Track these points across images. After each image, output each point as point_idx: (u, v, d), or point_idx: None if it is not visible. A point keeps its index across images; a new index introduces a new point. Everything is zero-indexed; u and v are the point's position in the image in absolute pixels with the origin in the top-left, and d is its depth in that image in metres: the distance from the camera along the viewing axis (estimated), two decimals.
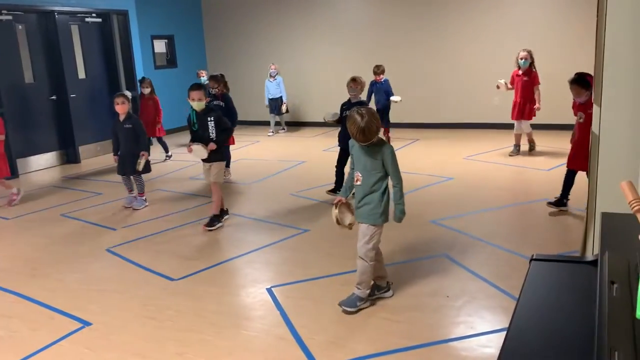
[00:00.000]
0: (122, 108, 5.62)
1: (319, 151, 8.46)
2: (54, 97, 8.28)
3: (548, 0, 8.99)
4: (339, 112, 5.69)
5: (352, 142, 3.30)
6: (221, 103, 6.60)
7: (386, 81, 8.29)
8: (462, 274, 3.78)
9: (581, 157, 4.50)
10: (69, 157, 8.53)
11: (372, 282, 3.39)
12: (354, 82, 5.56)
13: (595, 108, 2.54)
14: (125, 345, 3.05)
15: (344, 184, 3.55)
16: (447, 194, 5.79)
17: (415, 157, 7.70)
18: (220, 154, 5.00)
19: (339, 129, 5.76)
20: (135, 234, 4.95)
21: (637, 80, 2.25)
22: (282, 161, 7.85)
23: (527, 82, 7.23)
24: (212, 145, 4.85)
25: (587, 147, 4.25)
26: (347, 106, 5.54)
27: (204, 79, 8.91)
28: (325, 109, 10.50)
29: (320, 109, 10.79)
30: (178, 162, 8.10)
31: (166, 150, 8.26)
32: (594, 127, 2.55)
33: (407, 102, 9.99)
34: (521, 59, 7.20)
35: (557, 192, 5.01)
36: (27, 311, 3.51)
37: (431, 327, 3.11)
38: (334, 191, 5.69)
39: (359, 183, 3.28)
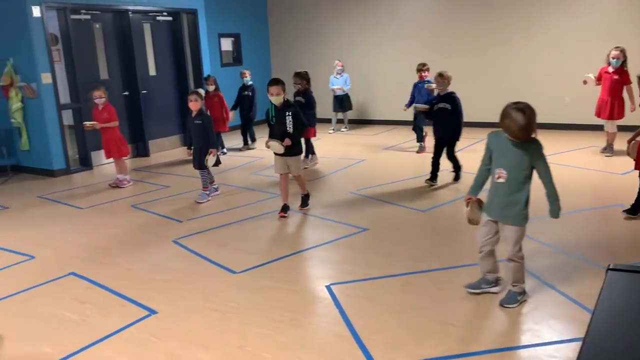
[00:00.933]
0: (194, 105, 5.79)
1: (379, 150, 8.40)
2: (126, 93, 8.65)
3: None
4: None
5: (493, 136, 3.22)
6: (302, 100, 6.73)
7: (429, 81, 8.11)
8: (529, 280, 3.63)
9: None
10: (139, 150, 8.89)
11: (481, 276, 3.44)
12: (441, 77, 5.96)
13: None
14: (189, 335, 3.14)
15: (474, 181, 3.41)
16: None
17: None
18: (296, 148, 5.18)
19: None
20: (200, 226, 5.10)
21: None
22: (342, 159, 7.85)
23: (617, 81, 6.94)
24: (288, 141, 5.01)
25: None
26: (436, 100, 6.13)
27: (247, 79, 8.92)
28: (389, 106, 10.51)
29: (384, 107, 10.75)
30: (241, 157, 8.26)
31: (222, 146, 8.45)
32: None
33: (475, 100, 9.70)
34: (613, 58, 6.89)
35: (632, 197, 4.74)
36: (98, 297, 3.69)
37: (495, 334, 3.02)
38: (431, 180, 6.14)
39: (501, 180, 3.16)
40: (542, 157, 3.11)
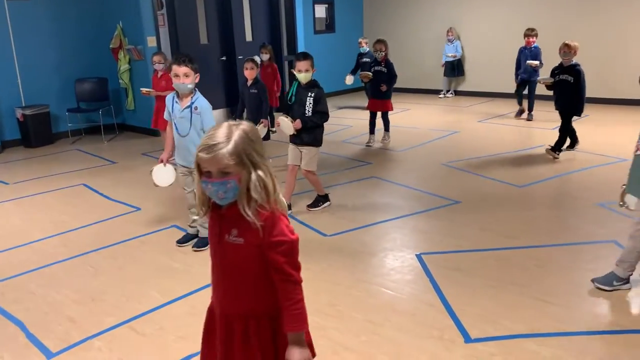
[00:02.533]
0: (250, 73, 5.65)
1: (473, 122, 8.15)
2: (224, 58, 8.92)
3: None
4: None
5: None
6: (384, 69, 6.66)
7: (536, 47, 7.70)
8: None
9: None
10: (236, 115, 9.18)
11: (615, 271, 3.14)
12: (568, 47, 5.72)
13: None
14: None
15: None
16: (619, 176, 5.25)
17: (586, 134, 7.08)
18: (314, 138, 4.46)
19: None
20: (296, 189, 5.20)
21: None
22: (433, 130, 7.70)
23: None
24: (298, 124, 4.33)
25: None
26: (559, 70, 5.85)
27: (364, 48, 8.92)
28: (498, 76, 10.09)
29: (491, 76, 10.33)
30: (333, 125, 8.32)
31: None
32: None
33: (604, 74, 8.98)
34: None
35: None
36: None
37: (591, 315, 2.90)
38: (552, 149, 5.96)
39: None
40: None
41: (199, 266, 3.63)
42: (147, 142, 7.62)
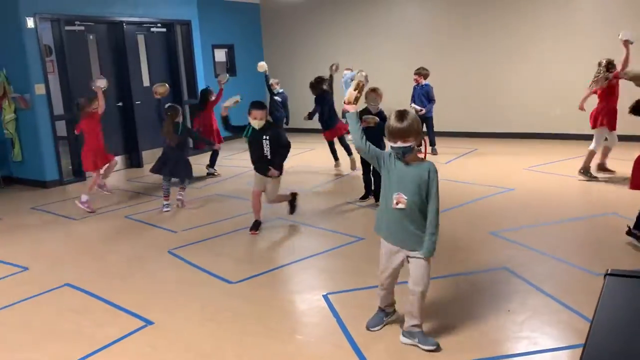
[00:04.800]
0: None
1: None
2: (120, 104, 8.64)
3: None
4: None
5: None
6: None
7: (427, 85, 8.22)
8: (523, 287, 3.66)
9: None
10: (133, 161, 8.87)
11: None
12: (375, 92, 5.59)
13: None
14: (186, 346, 3.13)
15: None
16: (508, 205, 5.64)
17: (473, 167, 7.55)
18: (279, 170, 4.95)
19: None
20: (194, 236, 5.08)
21: None
22: (330, 170, 7.85)
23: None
24: (274, 172, 4.89)
25: None
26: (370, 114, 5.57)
27: (277, 89, 8.95)
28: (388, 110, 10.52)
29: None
30: (234, 167, 8.26)
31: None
32: None
33: (464, 110, 9.85)
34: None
35: (625, 207, 4.78)
36: (95, 308, 3.66)
37: (492, 343, 3.02)
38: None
39: None
40: None
41: (95, 327, 3.38)
42: (37, 195, 7.14)
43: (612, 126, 6.28)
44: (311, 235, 5.07)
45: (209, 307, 3.61)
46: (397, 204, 2.86)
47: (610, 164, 6.56)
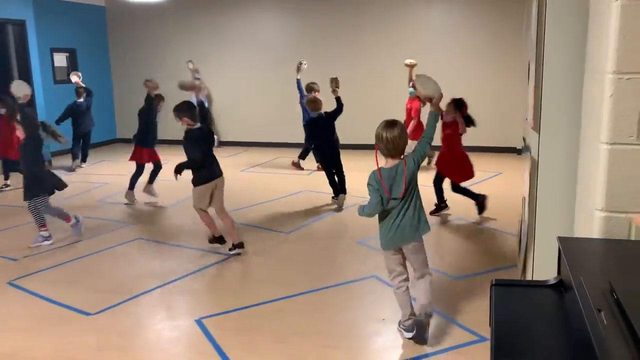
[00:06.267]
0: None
1: (237, 172, 8.27)
2: None
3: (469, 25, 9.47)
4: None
5: None
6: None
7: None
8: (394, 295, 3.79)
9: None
10: None
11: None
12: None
13: (533, 134, 2.67)
14: None
15: None
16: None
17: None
18: (193, 178, 4.61)
19: None
20: (39, 264, 4.51)
21: (571, 107, 2.40)
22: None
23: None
24: (175, 168, 4.47)
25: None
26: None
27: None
28: (252, 125, 10.36)
29: (234, 125, 10.61)
30: (83, 183, 7.55)
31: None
32: (533, 153, 2.67)
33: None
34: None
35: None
36: None
37: (374, 353, 3.07)
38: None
39: None
40: None
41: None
42: None
43: None
44: (174, 255, 4.77)
45: (67, 345, 3.20)
46: None
47: None
